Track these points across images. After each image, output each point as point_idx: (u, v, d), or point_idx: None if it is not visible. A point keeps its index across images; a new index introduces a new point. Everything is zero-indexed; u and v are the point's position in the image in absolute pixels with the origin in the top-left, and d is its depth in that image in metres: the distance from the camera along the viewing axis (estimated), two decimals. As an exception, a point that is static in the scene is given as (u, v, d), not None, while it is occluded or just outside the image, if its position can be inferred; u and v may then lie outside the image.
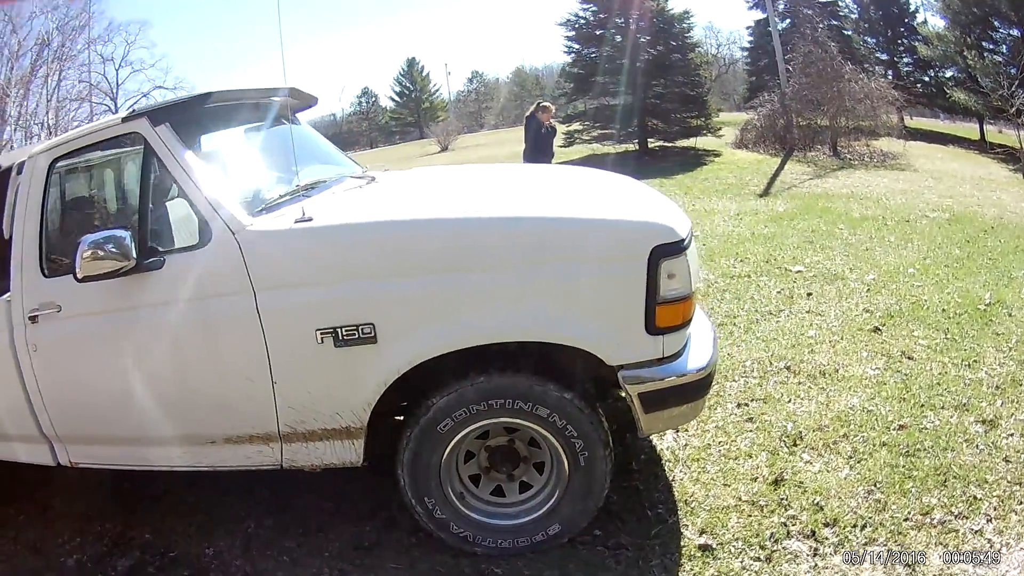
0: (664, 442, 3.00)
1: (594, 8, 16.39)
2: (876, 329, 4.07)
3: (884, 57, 22.87)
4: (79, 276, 2.16)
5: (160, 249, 2.25)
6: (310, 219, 2.15)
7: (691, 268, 2.17)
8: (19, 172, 2.48)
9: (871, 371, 3.53)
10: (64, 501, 3.02)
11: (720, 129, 15.88)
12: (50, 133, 21.26)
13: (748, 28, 27.66)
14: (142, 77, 34.42)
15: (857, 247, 6.17)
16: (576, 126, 16.47)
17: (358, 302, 2.10)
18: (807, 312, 4.48)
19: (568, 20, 16.80)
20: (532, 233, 2.12)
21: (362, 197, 2.56)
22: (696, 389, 2.24)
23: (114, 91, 28.20)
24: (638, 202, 2.49)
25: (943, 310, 4.32)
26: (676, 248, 2.10)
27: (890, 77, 18.19)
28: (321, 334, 2.11)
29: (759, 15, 24.61)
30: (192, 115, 2.44)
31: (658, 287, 2.07)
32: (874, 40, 23.39)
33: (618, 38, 15.78)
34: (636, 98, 15.20)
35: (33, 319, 2.41)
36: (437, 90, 55.89)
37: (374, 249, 2.13)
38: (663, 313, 2.10)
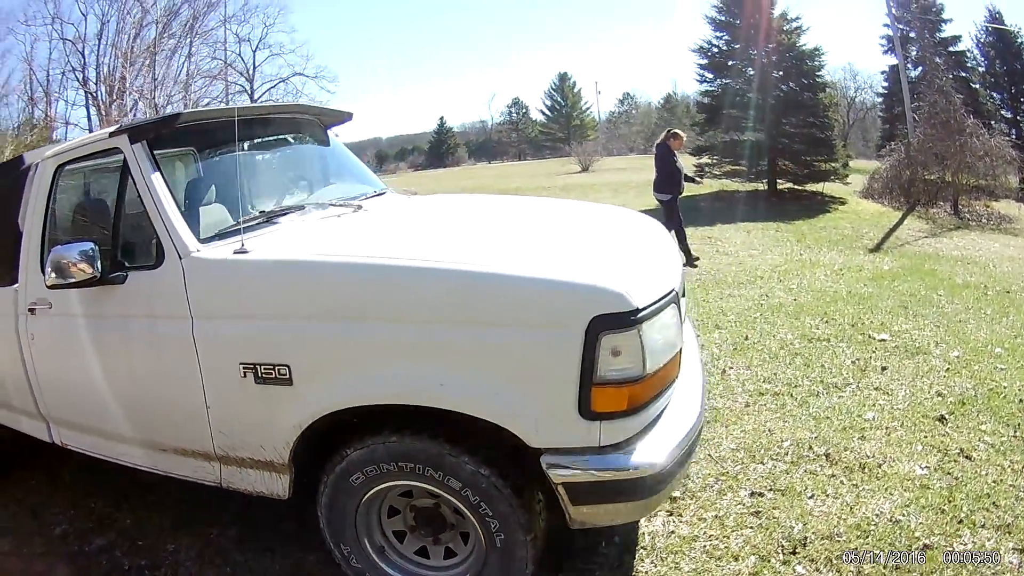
0: (651, 524, 2.49)
1: (727, 37, 14.66)
2: (942, 418, 3.28)
3: (1008, 115, 19.84)
4: (47, 284, 2.11)
5: (127, 264, 2.15)
6: (246, 251, 1.95)
7: (648, 345, 1.68)
8: (36, 171, 2.50)
9: (919, 470, 2.81)
10: (72, 473, 3.06)
11: (848, 176, 13.86)
12: (158, 106, 19.72)
13: (883, 73, 25.10)
14: (280, 61, 32.44)
15: (951, 317, 5.17)
16: (705, 159, 14.67)
17: (276, 342, 1.87)
18: (875, 389, 3.71)
19: (701, 47, 14.96)
20: (444, 287, 1.73)
21: (323, 230, 2.29)
22: (642, 489, 1.73)
23: (250, 72, 26.36)
24: (603, 258, 1.97)
25: (1020, 400, 3.45)
26: (624, 320, 1.63)
27: (1013, 136, 15.55)
28: (244, 368, 1.90)
29: (893, 60, 22.03)
30: (169, 135, 2.31)
31: (596, 365, 1.63)
32: (1000, 96, 20.35)
33: (749, 70, 14.12)
34: (766, 135, 13.56)
35: (32, 311, 2.42)
36: (588, 108, 52.60)
37: (292, 289, 1.88)
38: (602, 396, 1.65)
